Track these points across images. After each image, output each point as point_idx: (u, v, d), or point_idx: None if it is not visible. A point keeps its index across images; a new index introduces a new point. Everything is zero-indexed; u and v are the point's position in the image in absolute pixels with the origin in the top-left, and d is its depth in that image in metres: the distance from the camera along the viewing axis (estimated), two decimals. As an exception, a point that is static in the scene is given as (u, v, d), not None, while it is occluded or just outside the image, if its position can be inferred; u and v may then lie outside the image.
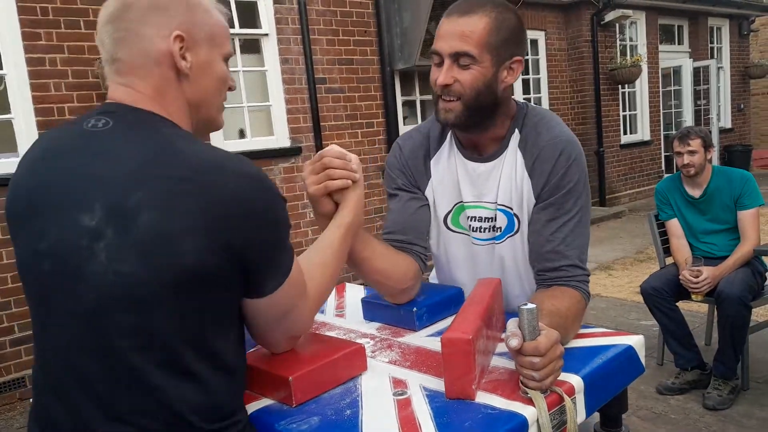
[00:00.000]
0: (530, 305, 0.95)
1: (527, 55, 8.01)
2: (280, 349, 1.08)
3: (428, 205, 1.48)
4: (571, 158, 1.32)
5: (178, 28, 0.95)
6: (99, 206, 0.84)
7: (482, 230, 1.44)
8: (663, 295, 2.95)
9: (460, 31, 1.26)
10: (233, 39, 4.87)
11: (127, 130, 0.91)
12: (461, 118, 1.30)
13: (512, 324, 0.96)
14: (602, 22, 8.10)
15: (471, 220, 1.45)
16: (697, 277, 2.87)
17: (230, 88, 1.07)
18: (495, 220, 1.41)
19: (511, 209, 1.39)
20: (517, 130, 1.38)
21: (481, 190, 1.41)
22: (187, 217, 0.82)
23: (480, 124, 1.34)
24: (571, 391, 1.01)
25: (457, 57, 1.27)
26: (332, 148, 1.18)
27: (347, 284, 1.81)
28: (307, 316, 1.05)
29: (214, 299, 0.88)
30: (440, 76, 1.29)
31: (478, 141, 1.40)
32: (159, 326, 0.84)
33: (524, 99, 7.78)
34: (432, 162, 1.47)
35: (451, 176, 1.45)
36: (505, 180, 1.38)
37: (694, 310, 3.86)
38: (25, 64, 3.74)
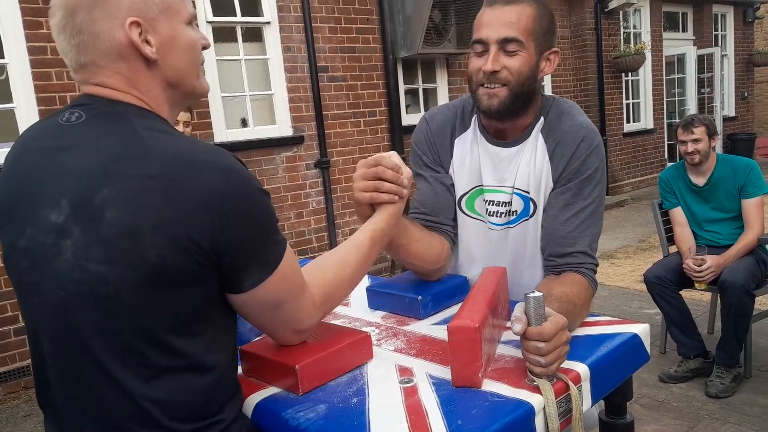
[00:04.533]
0: (537, 293, 0.95)
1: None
2: (287, 342, 1.06)
3: (453, 184, 1.49)
4: (593, 146, 1.34)
5: (129, 13, 0.90)
6: (66, 203, 0.83)
7: (499, 215, 1.45)
8: (666, 284, 2.95)
9: (507, 18, 1.28)
10: (235, 27, 4.85)
11: (99, 124, 0.89)
12: (506, 104, 1.32)
13: (518, 309, 0.96)
14: (606, 10, 8.05)
15: (489, 204, 1.46)
16: (700, 265, 2.87)
17: (204, 48, 1.01)
18: (511, 204, 1.42)
19: (528, 193, 1.40)
20: (542, 118, 1.40)
21: (501, 174, 1.43)
22: (153, 215, 0.81)
23: (518, 112, 1.36)
24: (577, 379, 1.02)
25: (504, 43, 1.28)
26: (391, 158, 1.17)
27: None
28: (307, 310, 1.00)
29: (183, 297, 0.86)
30: (488, 62, 1.30)
31: (505, 128, 1.41)
32: (124, 324, 0.84)
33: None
34: (457, 141, 1.48)
35: (472, 159, 1.46)
36: (525, 164, 1.39)
37: (697, 299, 3.86)
38: (27, 53, 3.73)
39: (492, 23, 1.29)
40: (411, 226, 1.35)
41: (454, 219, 1.50)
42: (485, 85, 1.32)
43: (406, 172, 1.19)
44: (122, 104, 0.91)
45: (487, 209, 1.46)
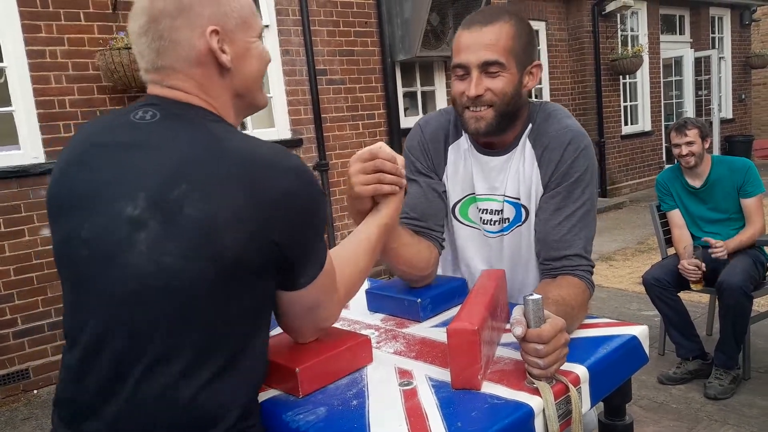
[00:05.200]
0: (535, 296, 0.96)
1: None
2: (307, 339, 1.09)
3: (446, 191, 1.49)
4: (580, 148, 1.33)
5: (209, 23, 0.94)
6: (144, 197, 0.85)
7: (492, 222, 1.45)
8: (665, 286, 2.96)
9: (486, 40, 1.28)
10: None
11: (174, 124, 0.92)
12: (493, 125, 1.32)
13: (518, 312, 0.97)
14: (603, 13, 8.07)
15: (482, 213, 1.46)
16: (698, 266, 2.88)
17: (268, 62, 1.06)
18: (503, 212, 1.42)
19: (519, 200, 1.40)
20: (530, 125, 1.40)
21: (492, 183, 1.43)
22: (233, 213, 0.83)
23: (506, 129, 1.36)
24: (576, 381, 1.02)
25: (485, 66, 1.28)
26: (383, 149, 1.16)
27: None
28: (335, 308, 1.06)
29: (251, 293, 0.89)
30: (471, 87, 1.29)
31: (494, 140, 1.41)
32: (193, 317, 0.85)
33: (525, 90, 7.78)
34: (451, 147, 1.48)
35: (465, 167, 1.46)
36: (514, 172, 1.40)
37: (695, 301, 3.87)
38: (26, 57, 3.72)
39: (471, 46, 1.28)
40: (401, 230, 1.35)
41: (443, 225, 1.49)
42: (470, 108, 1.32)
43: (401, 160, 1.19)
44: (194, 107, 0.95)
45: (481, 217, 1.47)
